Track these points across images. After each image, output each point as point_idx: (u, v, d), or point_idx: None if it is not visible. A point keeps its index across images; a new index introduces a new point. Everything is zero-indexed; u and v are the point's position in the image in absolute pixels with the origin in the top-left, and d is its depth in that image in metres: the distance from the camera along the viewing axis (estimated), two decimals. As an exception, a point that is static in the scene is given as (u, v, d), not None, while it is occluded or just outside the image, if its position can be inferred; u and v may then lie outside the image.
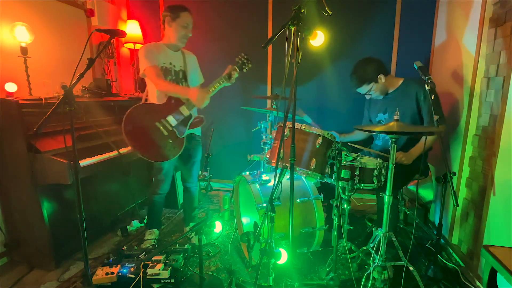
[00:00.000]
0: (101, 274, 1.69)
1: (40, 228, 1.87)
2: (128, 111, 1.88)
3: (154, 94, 2.02)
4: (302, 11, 1.31)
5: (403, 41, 2.69)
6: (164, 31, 2.03)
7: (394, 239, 1.61)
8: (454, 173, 1.71)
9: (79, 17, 2.66)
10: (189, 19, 1.99)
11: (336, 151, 1.58)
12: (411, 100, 1.95)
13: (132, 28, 3.00)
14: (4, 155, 1.83)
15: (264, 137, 2.09)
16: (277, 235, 1.73)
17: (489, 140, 1.72)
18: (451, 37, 2.30)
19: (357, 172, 1.65)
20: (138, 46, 3.06)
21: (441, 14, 2.52)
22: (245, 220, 2.28)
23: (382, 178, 1.70)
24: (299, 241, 1.92)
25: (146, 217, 2.49)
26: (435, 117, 1.64)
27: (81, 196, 1.39)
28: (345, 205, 1.69)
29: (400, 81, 2.04)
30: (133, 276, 1.69)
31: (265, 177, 1.98)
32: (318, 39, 2.41)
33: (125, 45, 3.14)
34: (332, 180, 1.64)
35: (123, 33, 1.48)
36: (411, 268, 1.58)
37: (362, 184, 1.66)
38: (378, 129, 1.47)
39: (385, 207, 1.53)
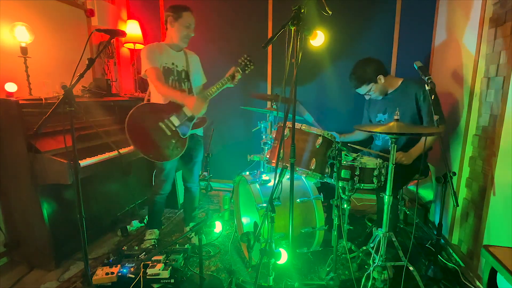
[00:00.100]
0: (101, 274, 1.69)
1: (40, 228, 1.87)
2: (131, 110, 1.88)
3: (156, 94, 2.01)
4: (302, 11, 1.31)
5: (403, 41, 2.69)
6: (166, 31, 2.03)
7: (394, 239, 1.61)
8: (454, 173, 1.71)
9: (79, 17, 2.66)
10: (192, 19, 1.99)
11: (336, 151, 1.58)
12: (410, 101, 1.95)
13: (132, 28, 3.00)
14: (4, 155, 1.83)
15: (264, 137, 2.09)
16: (277, 235, 1.73)
17: (489, 140, 1.72)
18: (451, 37, 2.30)
19: (357, 172, 1.65)
20: (138, 46, 3.06)
21: (441, 14, 2.52)
22: (245, 220, 2.28)
23: (382, 178, 1.70)
24: (299, 241, 1.92)
25: (146, 217, 2.49)
26: (435, 117, 1.64)
27: (81, 196, 1.39)
28: (345, 205, 1.69)
29: (400, 82, 2.04)
30: (133, 276, 1.69)
31: (265, 177, 1.98)
32: (318, 39, 2.41)
33: (125, 45, 3.14)
34: (332, 180, 1.64)
35: (123, 33, 1.48)
36: (411, 268, 1.58)
37: (362, 184, 1.66)
38: (378, 129, 1.47)
39: (385, 207, 1.54)
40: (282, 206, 1.79)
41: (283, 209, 1.78)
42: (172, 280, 1.69)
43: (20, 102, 1.76)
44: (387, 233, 1.57)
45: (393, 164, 1.49)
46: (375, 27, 2.73)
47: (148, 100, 2.11)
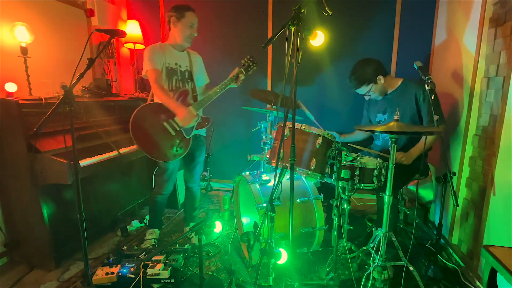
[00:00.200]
0: (101, 274, 1.69)
1: (40, 228, 1.87)
2: (136, 110, 1.88)
3: None
4: (302, 11, 1.31)
5: (403, 41, 2.69)
6: (169, 31, 2.03)
7: (394, 239, 1.61)
8: (454, 173, 1.71)
9: (79, 17, 2.66)
10: (195, 18, 1.99)
11: (336, 151, 1.58)
12: (410, 101, 1.95)
13: (132, 28, 3.00)
14: (4, 155, 1.83)
15: (264, 137, 2.10)
16: (277, 235, 1.73)
17: (489, 140, 1.72)
18: (451, 37, 2.30)
19: (357, 172, 1.65)
20: (138, 46, 3.06)
21: (441, 14, 2.52)
22: (245, 220, 2.28)
23: (382, 178, 1.70)
24: (299, 241, 1.92)
25: (146, 217, 2.49)
26: (435, 117, 1.64)
27: (81, 196, 1.39)
28: (345, 205, 1.69)
29: (399, 82, 2.04)
30: (133, 276, 1.68)
31: (265, 177, 1.98)
32: (318, 39, 2.41)
33: (125, 45, 3.14)
34: (332, 180, 1.64)
35: (123, 33, 1.48)
36: (411, 268, 1.58)
37: (362, 184, 1.67)
38: (378, 129, 1.47)
39: (385, 207, 1.54)
40: (282, 206, 1.79)
41: (283, 209, 1.78)
42: (172, 280, 1.69)
43: (20, 102, 1.76)
44: (387, 233, 1.57)
45: (393, 164, 1.49)
46: (375, 27, 2.73)
47: (152, 100, 2.11)
